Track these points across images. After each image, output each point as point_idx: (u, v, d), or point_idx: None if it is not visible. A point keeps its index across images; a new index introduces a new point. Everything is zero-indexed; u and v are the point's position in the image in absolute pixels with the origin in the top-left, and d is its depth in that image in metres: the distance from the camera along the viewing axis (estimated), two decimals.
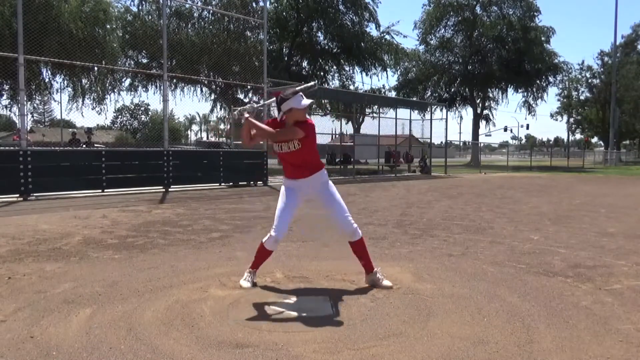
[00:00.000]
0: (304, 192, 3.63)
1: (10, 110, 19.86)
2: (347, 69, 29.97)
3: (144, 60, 23.78)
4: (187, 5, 22.41)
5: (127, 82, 23.87)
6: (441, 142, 26.73)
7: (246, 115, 3.49)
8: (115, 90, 21.72)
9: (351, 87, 30.92)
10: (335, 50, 28.55)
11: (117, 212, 7.73)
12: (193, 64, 19.52)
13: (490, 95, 39.66)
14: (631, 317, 3.03)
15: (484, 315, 3.04)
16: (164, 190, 11.39)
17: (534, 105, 39.48)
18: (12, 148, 11.22)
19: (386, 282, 3.61)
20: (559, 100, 54.32)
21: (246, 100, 25.91)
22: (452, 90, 38.78)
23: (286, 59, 27.73)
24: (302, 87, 3.59)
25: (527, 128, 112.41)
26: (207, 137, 73.52)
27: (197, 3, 23.40)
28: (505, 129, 57.55)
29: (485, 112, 40.10)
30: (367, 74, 35.42)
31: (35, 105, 39.23)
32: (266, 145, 14.30)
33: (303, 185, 3.59)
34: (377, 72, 29.78)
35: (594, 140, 65.71)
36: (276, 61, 26.17)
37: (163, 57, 12.02)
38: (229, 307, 3.15)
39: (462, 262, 4.49)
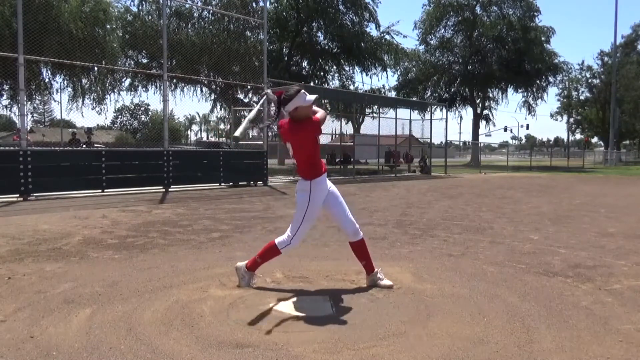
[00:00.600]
0: (326, 189, 3.50)
1: (10, 111, 19.91)
2: (347, 69, 30.02)
3: (144, 60, 23.80)
4: (187, 5, 22.42)
5: (127, 82, 23.93)
6: (441, 142, 26.75)
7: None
8: (115, 90, 21.77)
9: (351, 87, 30.94)
10: (335, 50, 28.56)
11: (117, 212, 7.73)
12: (193, 64, 19.54)
13: (490, 95, 39.69)
14: (631, 317, 3.03)
15: (484, 315, 3.04)
16: (164, 190, 11.39)
17: (534, 105, 39.58)
18: (12, 148, 11.23)
19: (386, 282, 3.61)
20: (559, 100, 54.40)
21: (246, 100, 25.95)
22: (452, 90, 38.80)
23: (286, 59, 27.74)
24: (289, 92, 3.39)
25: (527, 128, 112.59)
26: (207, 137, 73.56)
27: (197, 3, 23.42)
28: (505, 129, 57.59)
29: (485, 112, 40.15)
30: (367, 74, 35.46)
31: (35, 105, 39.28)
32: (266, 145, 14.30)
33: (325, 180, 3.51)
34: (377, 72, 29.83)
35: (594, 140, 65.75)
36: (276, 61, 26.18)
37: (163, 57, 12.02)
38: (229, 307, 3.15)
39: (462, 262, 4.49)
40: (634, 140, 66.92)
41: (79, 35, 15.94)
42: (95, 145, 19.18)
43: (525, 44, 34.50)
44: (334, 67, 29.66)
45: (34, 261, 4.35)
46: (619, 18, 56.77)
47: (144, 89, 25.13)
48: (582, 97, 54.32)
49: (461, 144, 60.68)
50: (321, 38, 28.84)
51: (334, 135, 26.16)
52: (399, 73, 36.27)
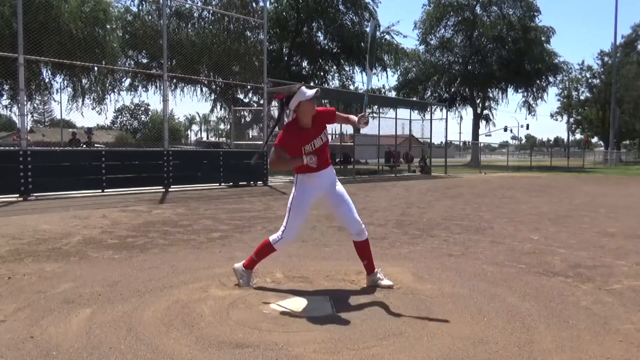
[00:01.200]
0: (322, 187, 3.52)
1: (10, 111, 19.92)
2: (347, 69, 29.99)
3: (144, 60, 23.79)
4: (187, 5, 22.42)
5: (127, 82, 23.92)
6: (441, 142, 26.72)
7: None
8: (115, 90, 21.77)
9: (351, 87, 30.93)
10: (335, 50, 28.55)
11: (117, 212, 7.73)
12: (193, 64, 19.53)
13: (490, 95, 39.70)
14: (631, 317, 3.03)
15: (484, 315, 3.04)
16: (164, 190, 11.39)
17: (533, 105, 39.58)
18: (12, 148, 11.23)
19: (386, 282, 3.61)
20: (559, 100, 54.41)
21: (246, 100, 25.94)
22: (452, 90, 38.80)
23: (286, 59, 27.73)
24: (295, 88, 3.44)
25: (527, 128, 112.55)
26: (207, 137, 73.54)
27: (197, 3, 23.42)
28: (505, 129, 57.62)
29: (485, 112, 40.15)
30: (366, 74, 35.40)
31: (35, 105, 39.26)
32: (266, 146, 14.27)
33: (324, 177, 3.50)
34: (376, 72, 29.78)
35: (594, 140, 65.76)
36: (276, 61, 26.17)
37: (163, 57, 12.02)
38: (229, 307, 3.15)
39: (462, 262, 4.49)
40: (634, 140, 66.91)
41: (79, 35, 15.95)
42: (96, 145, 19.18)
43: (525, 44, 34.50)
44: (334, 67, 29.65)
45: (34, 261, 4.35)
46: (619, 18, 56.82)
47: (144, 89, 25.14)
48: (582, 97, 54.36)
49: (461, 144, 60.68)
50: (321, 38, 28.85)
51: (334, 135, 26.14)
52: (399, 73, 36.30)
